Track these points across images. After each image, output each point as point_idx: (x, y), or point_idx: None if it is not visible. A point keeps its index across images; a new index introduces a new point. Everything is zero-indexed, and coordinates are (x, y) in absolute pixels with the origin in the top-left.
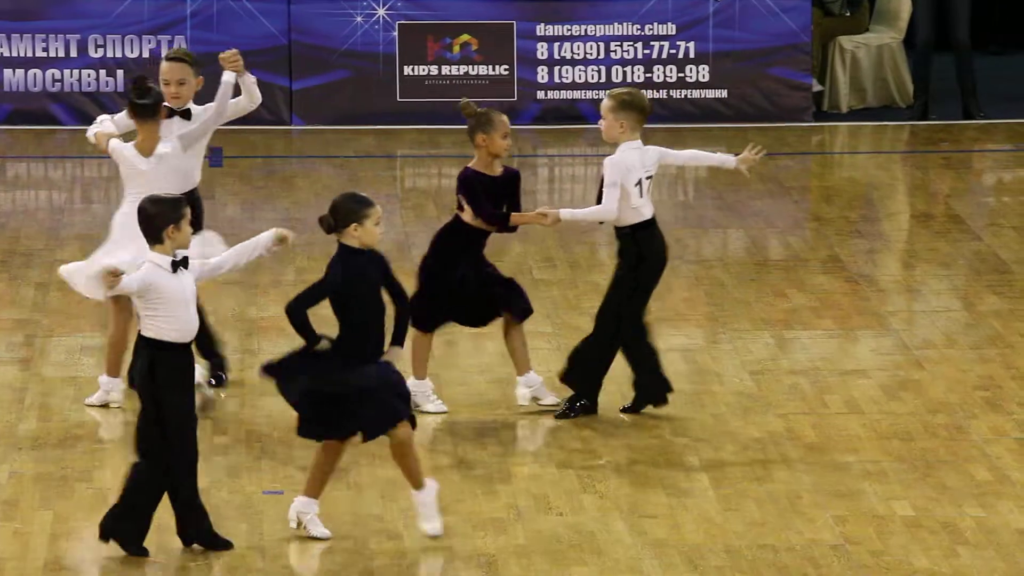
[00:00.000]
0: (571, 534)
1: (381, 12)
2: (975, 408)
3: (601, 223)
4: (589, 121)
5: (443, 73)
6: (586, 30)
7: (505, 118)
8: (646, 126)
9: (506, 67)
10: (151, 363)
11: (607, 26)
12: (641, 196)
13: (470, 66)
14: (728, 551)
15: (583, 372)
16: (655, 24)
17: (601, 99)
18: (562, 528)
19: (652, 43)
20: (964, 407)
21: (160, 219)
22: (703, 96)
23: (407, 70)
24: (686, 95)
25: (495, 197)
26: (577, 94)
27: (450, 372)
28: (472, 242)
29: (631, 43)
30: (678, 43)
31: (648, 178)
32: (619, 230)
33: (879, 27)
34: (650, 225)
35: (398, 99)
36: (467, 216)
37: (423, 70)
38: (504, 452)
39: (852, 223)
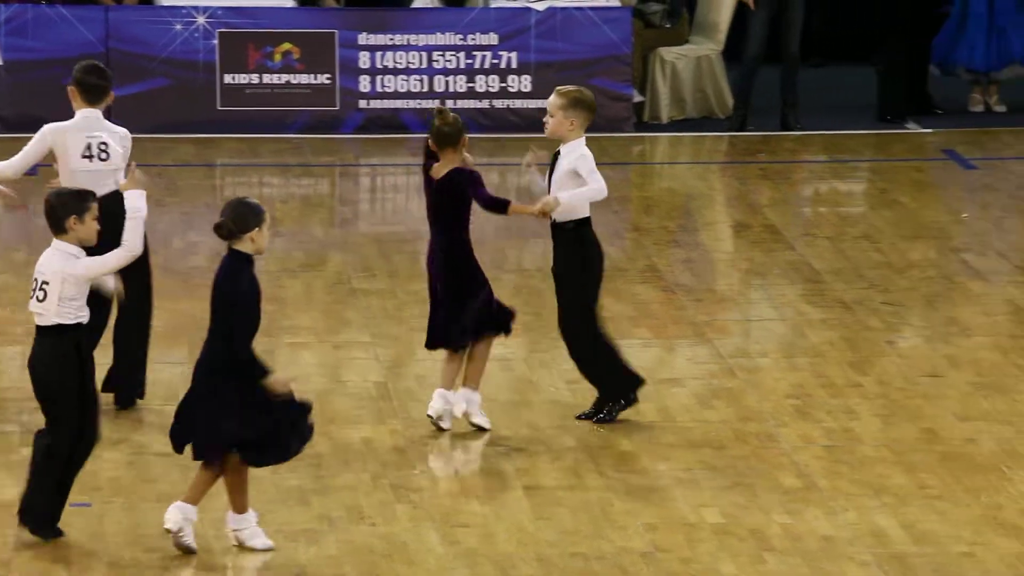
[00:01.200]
0: (383, 544)
1: (201, 20)
2: (785, 416)
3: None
4: (411, 130)
5: (264, 82)
6: (408, 39)
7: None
8: (469, 136)
9: (328, 76)
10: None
11: (429, 36)
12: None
13: (292, 75)
14: (540, 560)
15: (608, 381)
16: (477, 34)
17: (423, 108)
18: (375, 538)
19: (474, 53)
20: (775, 415)
21: (62, 210)
22: (525, 106)
23: (227, 78)
24: (508, 105)
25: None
26: (400, 103)
27: None
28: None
29: (453, 53)
30: (500, 53)
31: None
32: (561, 227)
33: (698, 39)
34: (590, 221)
35: (218, 107)
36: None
37: (244, 79)
38: (318, 463)
39: (671, 233)
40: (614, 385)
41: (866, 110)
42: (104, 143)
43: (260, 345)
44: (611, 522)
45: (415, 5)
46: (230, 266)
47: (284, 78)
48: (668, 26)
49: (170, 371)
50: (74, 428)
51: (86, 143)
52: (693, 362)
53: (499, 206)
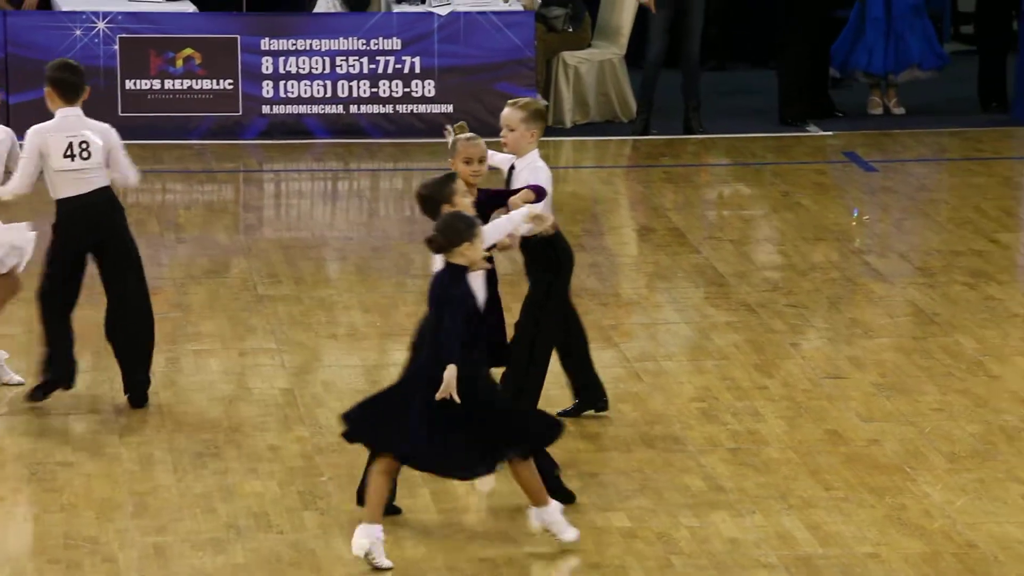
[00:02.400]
0: (291, 552)
1: (101, 25)
2: (691, 419)
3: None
4: (315, 136)
5: (166, 87)
6: (311, 44)
7: (467, 143)
8: (374, 141)
9: (230, 81)
10: None
11: (332, 41)
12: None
13: (194, 80)
14: (448, 566)
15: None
16: (380, 39)
17: (327, 114)
18: (282, 546)
19: (378, 58)
20: (680, 418)
21: None
22: (429, 111)
23: (129, 84)
24: (412, 110)
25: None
26: (303, 109)
27: (170, 390)
28: None
29: (356, 58)
30: (404, 58)
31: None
32: (532, 236)
33: (601, 43)
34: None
35: (120, 113)
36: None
37: (145, 84)
38: (224, 470)
39: (576, 237)
40: (591, 396)
41: (768, 113)
42: (85, 141)
43: (163, 352)
44: (519, 527)
45: (316, 10)
46: (443, 277)
47: (186, 84)
48: (571, 30)
49: (78, 380)
50: None
51: (67, 143)
52: (599, 366)
53: None
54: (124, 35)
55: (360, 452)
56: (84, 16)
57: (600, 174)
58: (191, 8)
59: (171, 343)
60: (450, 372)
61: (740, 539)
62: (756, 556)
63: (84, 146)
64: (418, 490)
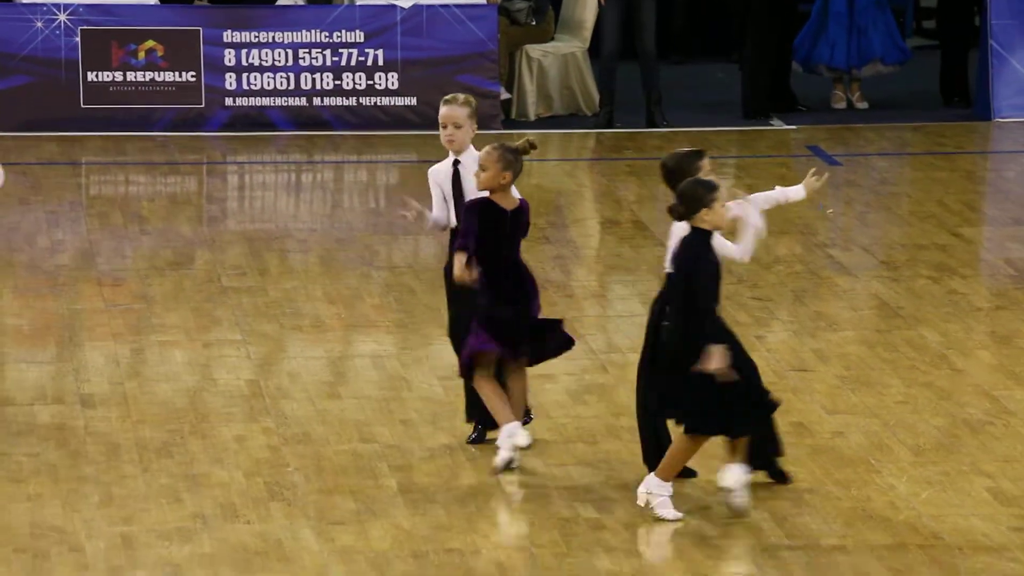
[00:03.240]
0: (258, 542)
1: (63, 17)
2: None
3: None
4: (278, 128)
5: (128, 79)
6: (274, 37)
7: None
8: (338, 133)
9: (193, 74)
10: None
11: (295, 33)
12: None
13: (156, 72)
14: (415, 556)
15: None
16: (343, 31)
17: (290, 106)
18: (249, 536)
19: (341, 50)
20: None
21: None
22: (393, 104)
23: (91, 76)
24: (376, 102)
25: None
26: (266, 101)
27: (135, 381)
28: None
29: (320, 50)
30: (367, 50)
31: None
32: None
33: (564, 36)
34: None
35: (82, 105)
36: None
37: (107, 76)
38: (190, 460)
39: (540, 229)
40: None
41: (731, 107)
42: None
43: (128, 344)
44: (486, 518)
45: (279, 3)
46: (689, 242)
47: (149, 76)
48: (534, 23)
49: (37, 370)
50: None
51: None
52: (565, 358)
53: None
54: (86, 27)
55: (326, 444)
56: (45, 8)
57: (564, 167)
58: (153, 0)
59: (136, 334)
60: (717, 350)
61: (708, 531)
62: (724, 547)
63: None
64: (383, 481)
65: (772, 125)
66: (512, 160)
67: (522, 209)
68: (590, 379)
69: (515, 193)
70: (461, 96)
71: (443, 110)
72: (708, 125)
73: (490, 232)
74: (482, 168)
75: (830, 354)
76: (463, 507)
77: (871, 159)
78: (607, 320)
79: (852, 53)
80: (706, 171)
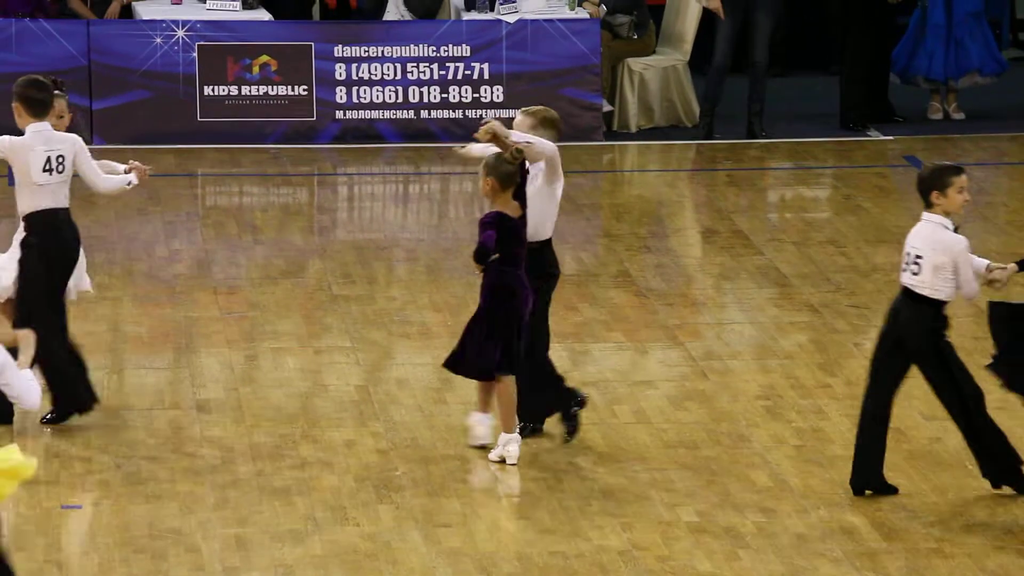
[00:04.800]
0: (367, 544)
1: (180, 33)
2: (756, 417)
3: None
4: (387, 140)
5: (243, 93)
6: (383, 51)
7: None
8: (444, 145)
9: (305, 87)
10: None
11: (403, 47)
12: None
13: (269, 86)
14: (520, 558)
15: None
16: (450, 46)
17: (398, 118)
18: (359, 538)
19: (447, 64)
20: (746, 416)
21: None
22: (498, 116)
23: (207, 90)
24: (481, 115)
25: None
26: (375, 114)
27: (249, 386)
28: None
29: (427, 64)
30: (472, 64)
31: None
32: (530, 244)
33: (665, 49)
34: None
35: (198, 119)
36: None
37: (223, 90)
38: (302, 464)
39: (641, 239)
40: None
41: (829, 118)
42: (61, 155)
43: (242, 350)
44: (589, 521)
45: (386, 18)
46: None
47: (262, 90)
48: (635, 37)
49: (155, 376)
50: None
51: (45, 157)
52: (666, 365)
53: (478, 256)
54: (202, 43)
55: (433, 449)
56: (164, 24)
57: (665, 177)
58: (267, 16)
59: (249, 341)
60: None
61: (806, 534)
62: (822, 551)
63: (61, 160)
64: (488, 484)
65: (869, 136)
66: (494, 165)
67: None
68: (690, 386)
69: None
70: (534, 108)
71: (515, 119)
72: (806, 136)
73: (506, 241)
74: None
75: None
76: (566, 511)
77: (968, 169)
78: (707, 328)
79: (950, 64)
80: (960, 186)
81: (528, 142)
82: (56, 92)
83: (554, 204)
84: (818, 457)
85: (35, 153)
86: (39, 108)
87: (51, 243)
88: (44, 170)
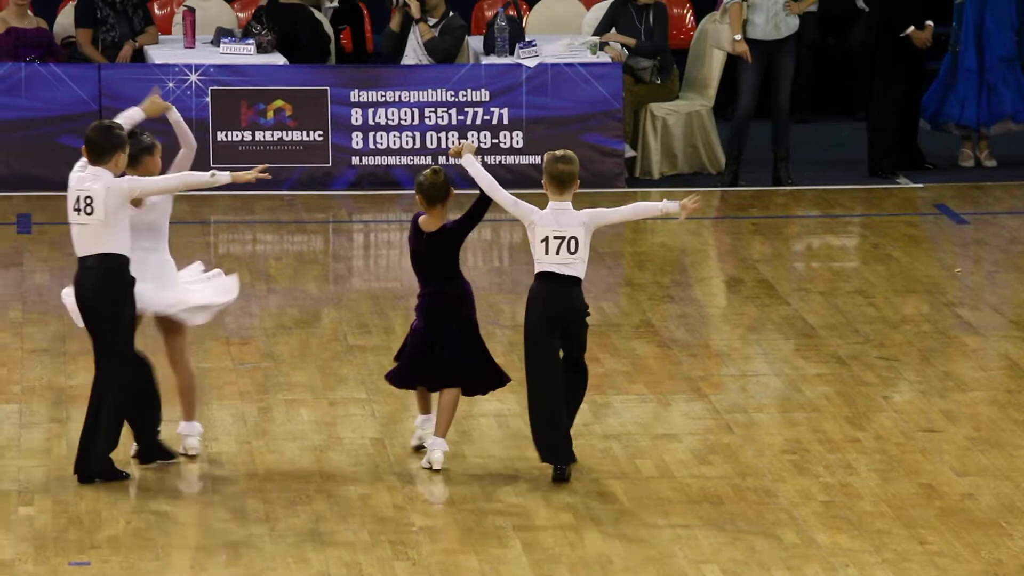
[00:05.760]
0: None
1: (194, 78)
2: (783, 472)
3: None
4: (404, 187)
5: (257, 139)
6: (400, 96)
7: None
8: (462, 192)
9: (320, 133)
10: None
11: (421, 92)
12: (546, 253)
13: (284, 132)
14: None
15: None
16: (469, 90)
17: (415, 164)
18: None
19: (466, 109)
20: (772, 471)
21: None
22: (517, 162)
23: (220, 136)
24: (500, 161)
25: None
26: (392, 160)
27: (262, 439)
28: None
29: (445, 109)
30: (492, 109)
31: (559, 238)
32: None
33: (689, 95)
34: (545, 277)
35: (211, 165)
36: None
37: (237, 136)
38: (316, 519)
39: (664, 288)
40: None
41: (857, 165)
42: (90, 196)
43: (255, 402)
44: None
45: (404, 62)
46: None
47: (277, 135)
48: (659, 82)
49: (166, 428)
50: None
51: (75, 196)
52: (689, 417)
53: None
54: (216, 87)
55: (451, 504)
56: (177, 68)
57: (689, 225)
58: (282, 60)
59: (262, 393)
60: None
61: None
62: None
63: (88, 201)
64: (508, 541)
65: (899, 183)
66: (419, 183)
67: (438, 233)
68: (715, 439)
69: (447, 219)
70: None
71: None
72: (834, 183)
73: (410, 246)
74: None
75: (959, 415)
76: (587, 568)
77: (1000, 218)
78: (732, 379)
79: (982, 111)
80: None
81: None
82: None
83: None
84: (846, 513)
85: (69, 192)
86: (94, 153)
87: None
88: (73, 209)
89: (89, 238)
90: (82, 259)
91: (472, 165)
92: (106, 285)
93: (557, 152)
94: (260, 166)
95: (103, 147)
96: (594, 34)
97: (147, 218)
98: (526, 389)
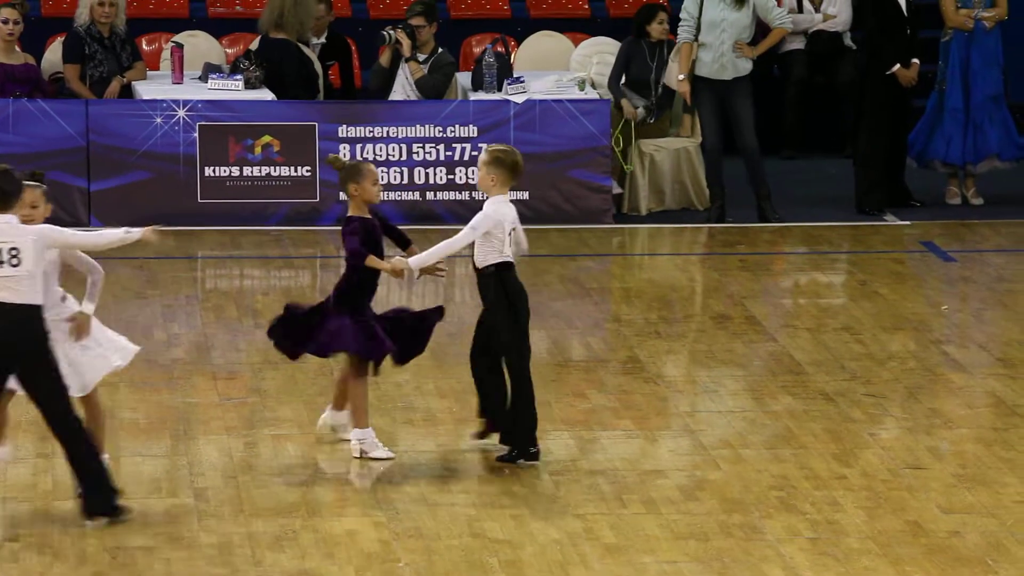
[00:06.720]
0: None
1: (181, 113)
2: (770, 508)
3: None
4: (392, 222)
5: (245, 174)
6: (388, 132)
7: (372, 166)
8: (450, 227)
9: (308, 168)
10: None
11: (409, 128)
12: (510, 245)
13: (272, 167)
14: None
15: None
16: (456, 126)
17: (403, 200)
18: None
19: (454, 145)
20: (759, 507)
21: None
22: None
23: (208, 171)
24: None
25: (377, 239)
26: (380, 195)
27: (248, 474)
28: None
29: (433, 145)
30: (480, 145)
31: (513, 230)
32: (482, 272)
33: (675, 131)
34: (512, 267)
35: (199, 200)
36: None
37: (224, 171)
38: (303, 555)
39: (651, 324)
40: (523, 428)
41: (844, 202)
42: (15, 248)
43: (241, 437)
44: None
45: (392, 98)
46: None
47: (264, 170)
48: (651, 122)
49: (152, 464)
50: None
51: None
52: (676, 453)
53: (356, 257)
54: (204, 123)
55: (437, 539)
56: (164, 104)
57: (676, 261)
58: (270, 96)
59: (248, 428)
60: None
61: None
62: None
63: (14, 253)
64: None
65: (886, 220)
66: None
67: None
68: (701, 475)
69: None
70: (494, 146)
71: None
72: (821, 220)
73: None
74: None
75: (946, 452)
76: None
77: (986, 255)
78: (719, 416)
79: (968, 149)
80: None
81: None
82: (29, 183)
83: None
84: (833, 551)
85: None
86: (2, 200)
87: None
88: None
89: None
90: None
91: (424, 260)
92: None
93: (501, 145)
94: (154, 227)
95: (10, 192)
96: (611, 73)
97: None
98: (515, 382)
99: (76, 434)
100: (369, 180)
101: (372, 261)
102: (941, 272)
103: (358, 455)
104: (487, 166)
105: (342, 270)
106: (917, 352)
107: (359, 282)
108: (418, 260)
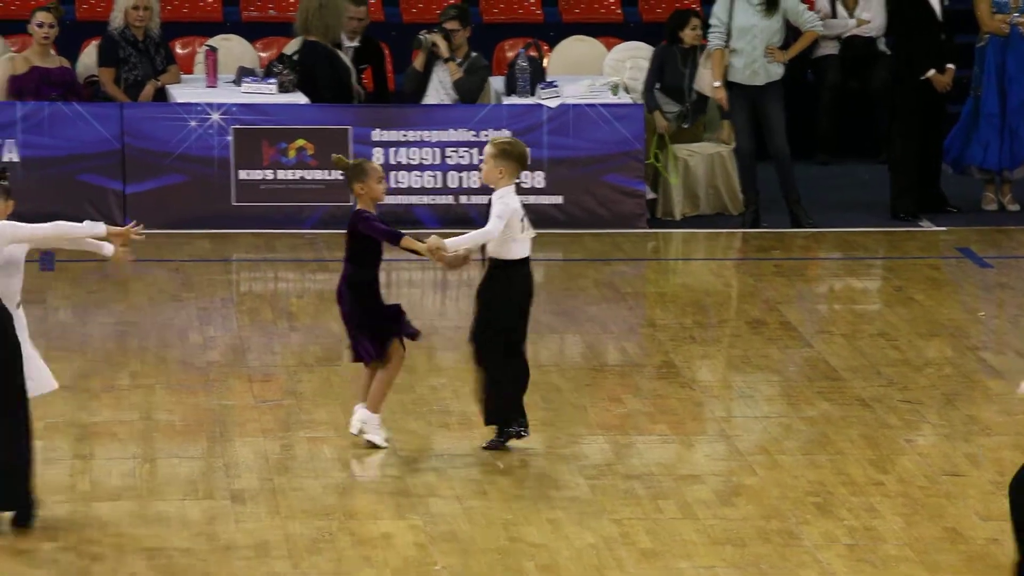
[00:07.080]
0: None
1: (216, 117)
2: (807, 514)
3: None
4: (425, 226)
5: (279, 178)
6: (422, 136)
7: (376, 164)
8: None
9: (342, 172)
10: None
11: (442, 132)
12: (523, 231)
13: (305, 171)
14: None
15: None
16: (490, 130)
17: (437, 204)
18: None
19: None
20: (796, 513)
21: None
22: (539, 202)
23: (242, 174)
24: (522, 201)
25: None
26: (413, 199)
27: (284, 476)
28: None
29: (466, 149)
30: None
31: (523, 218)
32: (493, 263)
33: (711, 136)
34: (525, 263)
35: (233, 203)
36: None
37: (258, 174)
38: (339, 558)
39: (686, 329)
40: (506, 411)
41: (879, 208)
42: None
43: (277, 440)
44: None
45: (426, 101)
46: None
47: (298, 174)
48: (685, 127)
49: (188, 466)
50: None
51: None
52: (712, 458)
53: (393, 237)
54: (238, 126)
55: (472, 543)
56: (199, 107)
57: (710, 266)
58: (303, 99)
59: (285, 430)
60: None
61: None
62: None
63: None
64: None
65: (921, 226)
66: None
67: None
68: (737, 480)
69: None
70: (500, 138)
71: None
72: (856, 225)
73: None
74: None
75: (983, 459)
76: None
77: (1023, 261)
78: (755, 421)
79: (1004, 155)
80: None
81: (467, 248)
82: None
83: None
84: (870, 557)
85: None
86: None
87: None
88: None
89: None
90: None
91: (459, 244)
92: None
93: (506, 137)
94: (134, 225)
95: None
96: (646, 80)
97: None
98: (490, 372)
99: (10, 431)
100: (374, 178)
101: (408, 242)
102: (977, 278)
103: (356, 432)
104: (494, 159)
105: (392, 277)
106: (954, 358)
107: (370, 265)
108: (454, 243)
